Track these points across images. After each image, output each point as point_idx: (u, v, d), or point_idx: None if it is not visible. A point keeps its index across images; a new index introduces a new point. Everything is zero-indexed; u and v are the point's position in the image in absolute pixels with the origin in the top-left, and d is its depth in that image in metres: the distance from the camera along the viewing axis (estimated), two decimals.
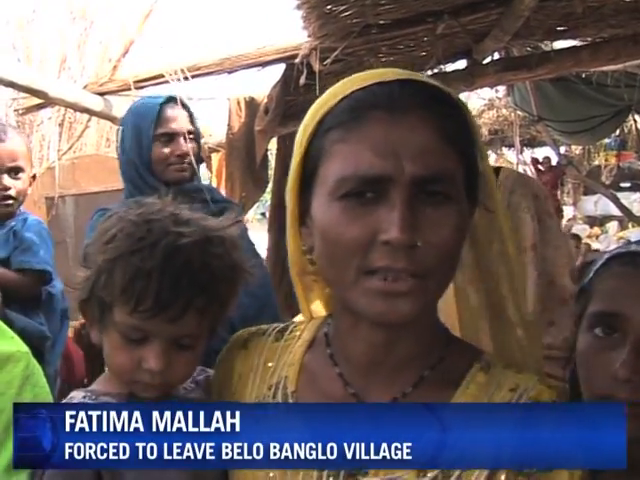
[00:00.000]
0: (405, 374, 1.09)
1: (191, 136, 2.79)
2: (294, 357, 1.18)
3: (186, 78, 3.96)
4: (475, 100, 12.04)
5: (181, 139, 2.74)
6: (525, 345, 1.14)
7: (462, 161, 1.03)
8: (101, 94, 4.18)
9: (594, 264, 1.31)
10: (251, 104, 4.16)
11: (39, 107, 4.41)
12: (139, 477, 1.14)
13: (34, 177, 3.15)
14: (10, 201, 2.91)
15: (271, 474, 1.08)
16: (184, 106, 2.83)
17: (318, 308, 1.28)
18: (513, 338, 1.15)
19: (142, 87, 4.08)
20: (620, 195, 10.59)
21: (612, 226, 13.47)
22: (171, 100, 2.82)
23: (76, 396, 1.23)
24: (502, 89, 9.15)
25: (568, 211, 15.05)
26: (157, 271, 1.15)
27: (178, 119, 2.78)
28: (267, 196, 5.37)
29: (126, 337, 1.19)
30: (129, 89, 4.05)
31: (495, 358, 1.12)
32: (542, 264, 2.10)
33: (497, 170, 2.23)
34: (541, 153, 13.76)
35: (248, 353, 1.23)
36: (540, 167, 12.46)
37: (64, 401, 1.23)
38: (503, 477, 1.00)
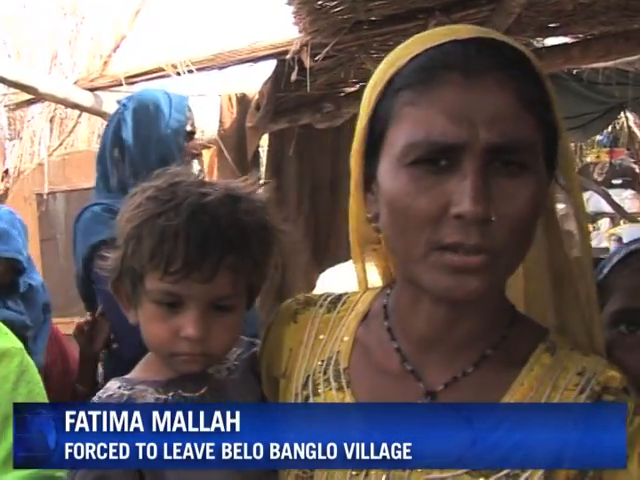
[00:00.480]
0: (466, 352, 1.04)
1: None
2: (347, 330, 1.13)
3: (178, 74, 3.95)
4: None
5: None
6: (591, 326, 1.08)
7: (541, 129, 0.96)
8: (91, 90, 4.17)
9: (609, 261, 1.29)
10: (242, 100, 4.16)
11: (29, 103, 4.41)
12: (182, 476, 1.11)
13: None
14: None
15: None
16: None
17: (374, 279, 1.21)
18: (579, 317, 1.09)
19: (133, 83, 4.07)
20: (612, 192, 10.60)
21: (604, 223, 13.47)
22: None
23: (111, 386, 1.20)
24: None
25: (560, 208, 15.06)
26: (183, 230, 1.11)
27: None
28: None
29: (161, 306, 1.16)
30: (120, 85, 4.04)
31: (561, 339, 1.06)
32: None
33: None
34: None
35: (298, 326, 1.17)
36: None
37: (100, 391, 1.20)
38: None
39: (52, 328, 3.22)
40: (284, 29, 3.59)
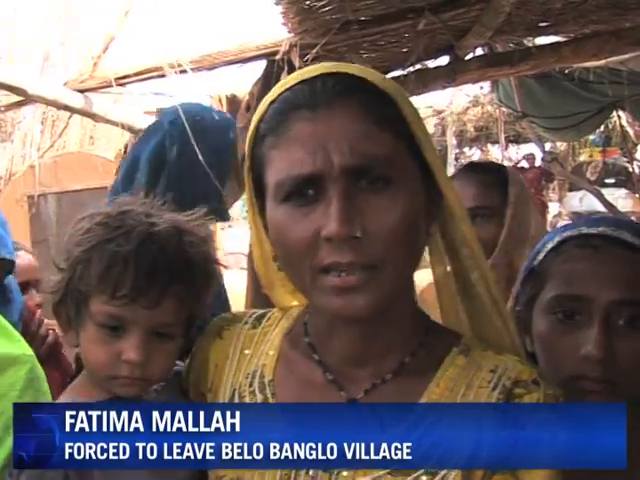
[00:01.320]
0: (386, 362, 1.09)
1: None
2: (272, 345, 1.18)
3: (167, 75, 3.94)
4: (460, 97, 12.07)
5: None
6: (499, 327, 1.14)
7: (401, 141, 1.02)
8: (81, 91, 4.14)
9: (542, 246, 1.32)
10: (232, 101, 4.14)
11: (20, 104, 4.38)
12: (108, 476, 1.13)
13: None
14: None
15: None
16: None
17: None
18: (487, 321, 1.14)
19: (123, 84, 4.05)
20: (605, 191, 10.62)
21: None
22: None
23: None
24: (487, 86, 9.16)
25: (553, 207, 15.10)
26: (133, 256, 1.15)
27: None
28: None
29: (104, 329, 1.18)
30: (110, 86, 4.02)
31: (475, 342, 1.12)
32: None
33: (503, 165, 2.45)
34: (526, 149, 13.80)
35: (224, 342, 1.21)
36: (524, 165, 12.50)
37: None
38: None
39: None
40: (273, 29, 3.59)
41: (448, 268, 1.16)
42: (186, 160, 2.59)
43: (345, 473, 1.02)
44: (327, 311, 1.04)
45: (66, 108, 4.28)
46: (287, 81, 1.07)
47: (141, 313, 1.16)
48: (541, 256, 1.32)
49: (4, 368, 1.47)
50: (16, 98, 4.19)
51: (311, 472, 1.04)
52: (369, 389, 1.08)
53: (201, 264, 1.23)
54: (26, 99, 4.11)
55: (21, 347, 1.59)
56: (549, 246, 1.31)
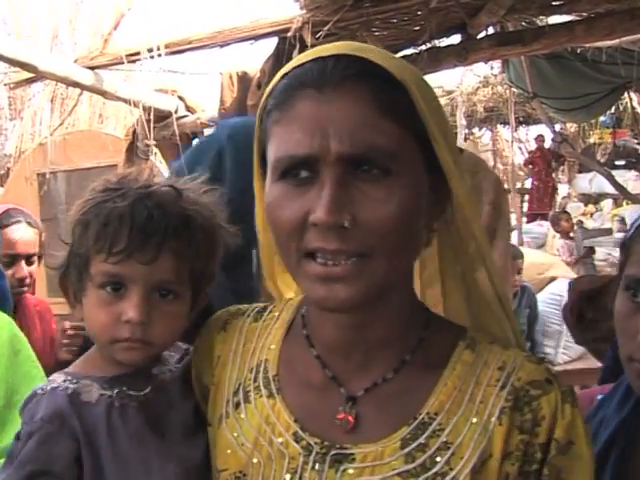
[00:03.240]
0: (383, 357, 1.07)
1: None
2: (273, 339, 1.16)
3: (179, 52, 3.93)
4: (470, 77, 12.01)
5: None
6: (502, 319, 1.12)
7: (409, 133, 0.98)
8: (92, 68, 4.14)
9: (636, 220, 1.29)
10: (243, 79, 4.12)
11: (29, 81, 4.38)
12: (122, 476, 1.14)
13: None
14: None
15: (255, 460, 1.06)
16: None
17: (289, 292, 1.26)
18: (490, 313, 1.12)
19: (134, 61, 4.04)
20: (615, 173, 10.57)
21: (606, 204, 13.47)
22: None
23: (56, 379, 1.20)
24: (497, 66, 9.11)
25: (563, 189, 15.06)
26: (128, 213, 1.14)
27: None
28: None
29: (104, 291, 1.17)
30: (120, 63, 4.01)
31: (480, 335, 1.09)
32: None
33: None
34: (536, 130, 13.73)
35: (227, 335, 1.20)
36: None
37: (44, 383, 1.21)
38: (499, 460, 0.99)
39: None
40: (285, 6, 3.57)
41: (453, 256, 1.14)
42: (241, 175, 2.59)
43: (351, 471, 1.01)
44: (312, 299, 1.02)
45: (76, 85, 4.27)
46: (301, 57, 1.04)
47: (138, 269, 1.15)
48: (632, 231, 1.28)
49: None
50: (26, 75, 4.18)
51: (317, 467, 1.03)
52: (369, 387, 1.06)
53: (200, 222, 1.21)
54: (36, 76, 4.11)
55: None
56: (638, 222, 1.28)
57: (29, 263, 3.05)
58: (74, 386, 1.18)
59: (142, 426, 1.17)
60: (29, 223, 3.07)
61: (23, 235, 3.02)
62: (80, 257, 1.18)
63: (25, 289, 2.99)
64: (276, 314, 1.20)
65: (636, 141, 12.34)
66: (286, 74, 1.03)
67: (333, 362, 1.08)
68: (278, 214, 0.99)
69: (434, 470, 0.98)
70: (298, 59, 1.03)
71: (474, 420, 1.00)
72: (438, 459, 0.99)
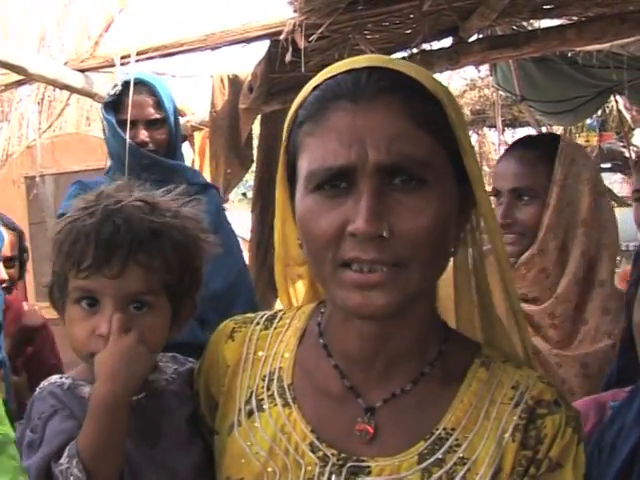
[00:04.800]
0: (403, 369, 1.08)
1: None
2: (287, 347, 1.16)
3: (169, 55, 3.90)
4: (457, 80, 12.02)
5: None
6: (512, 334, 1.14)
7: (441, 144, 1.00)
8: (82, 71, 4.11)
9: None
10: (235, 82, 4.11)
11: (18, 84, 4.34)
12: None
13: None
14: None
15: (270, 469, 1.06)
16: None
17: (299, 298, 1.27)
18: (500, 330, 1.14)
19: (124, 64, 4.01)
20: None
21: None
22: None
23: (52, 378, 1.25)
24: (484, 69, 9.12)
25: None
26: (94, 230, 1.18)
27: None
28: (248, 176, 5.32)
29: (80, 306, 1.20)
30: (111, 65, 3.98)
31: (494, 352, 1.11)
32: (587, 243, 1.97)
33: (556, 138, 2.12)
34: (523, 133, 13.76)
35: (236, 344, 1.20)
36: None
37: (41, 385, 1.24)
38: (506, 476, 1.00)
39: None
40: (277, 9, 3.56)
41: (471, 267, 1.14)
42: None
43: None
44: (344, 306, 1.02)
45: (66, 88, 4.25)
46: (332, 69, 1.05)
47: (107, 283, 1.18)
48: None
49: None
50: (15, 77, 4.15)
51: (333, 478, 1.03)
52: (388, 398, 1.07)
53: (170, 234, 1.22)
54: (25, 78, 4.08)
55: None
56: None
57: (9, 267, 3.04)
58: (69, 382, 1.22)
59: (134, 430, 1.17)
60: (6, 225, 3.06)
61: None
62: (59, 275, 1.23)
63: (4, 293, 2.97)
64: (287, 322, 1.20)
65: (621, 144, 12.39)
66: (317, 86, 1.03)
67: (352, 372, 1.09)
68: (313, 225, 0.99)
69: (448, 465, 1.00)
70: (327, 72, 1.05)
71: (489, 436, 1.01)
72: (454, 475, 0.99)
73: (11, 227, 3.13)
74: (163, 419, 1.22)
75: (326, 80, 1.03)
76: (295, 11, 3.26)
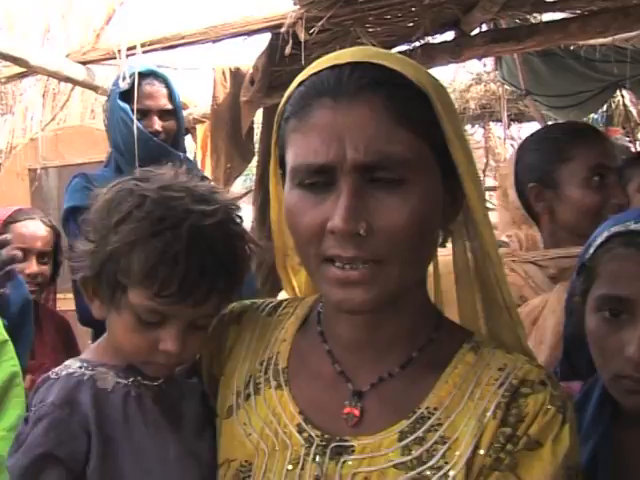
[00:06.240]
0: (393, 354, 1.10)
1: None
2: (286, 333, 1.19)
3: (171, 47, 3.90)
4: (463, 74, 11.99)
5: None
6: (513, 328, 1.14)
7: (423, 139, 1.00)
8: (84, 63, 4.11)
9: (593, 240, 1.29)
10: (236, 74, 4.10)
11: (21, 76, 4.34)
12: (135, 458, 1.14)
13: None
14: None
15: (260, 449, 1.09)
16: None
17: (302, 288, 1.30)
18: (505, 319, 1.14)
19: (126, 56, 4.01)
20: None
21: None
22: None
23: (72, 365, 1.20)
24: (490, 63, 9.10)
25: None
26: (183, 255, 1.10)
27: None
28: (254, 169, 5.31)
29: (142, 319, 1.16)
30: (112, 58, 3.98)
31: (486, 340, 1.12)
32: None
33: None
34: (529, 128, 13.72)
35: (241, 328, 1.23)
36: None
37: (58, 368, 1.21)
38: (482, 452, 1.00)
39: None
40: (278, 2, 3.55)
41: (469, 259, 1.15)
42: None
43: (350, 462, 1.03)
44: (330, 301, 1.06)
45: (68, 80, 4.25)
46: (317, 64, 1.06)
47: (184, 309, 1.14)
48: (591, 250, 1.29)
49: None
50: (17, 70, 4.15)
51: (318, 459, 1.05)
52: (375, 382, 1.09)
53: (245, 257, 1.21)
54: (28, 70, 4.08)
55: None
56: (598, 241, 1.28)
57: (42, 263, 2.97)
58: (90, 372, 1.18)
59: (159, 416, 1.18)
60: (43, 221, 3.00)
61: (35, 230, 2.94)
62: (118, 282, 1.15)
63: (34, 288, 2.89)
64: (290, 310, 1.23)
65: (628, 139, 12.35)
66: (303, 82, 1.05)
67: (344, 358, 1.11)
68: (298, 220, 1.02)
69: (430, 463, 1.00)
70: (314, 66, 1.05)
71: (471, 416, 1.02)
72: (434, 453, 1.01)
73: (48, 224, 3.06)
74: (182, 404, 1.22)
75: (311, 76, 1.04)
76: (295, 4, 3.26)
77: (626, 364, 1.19)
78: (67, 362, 1.22)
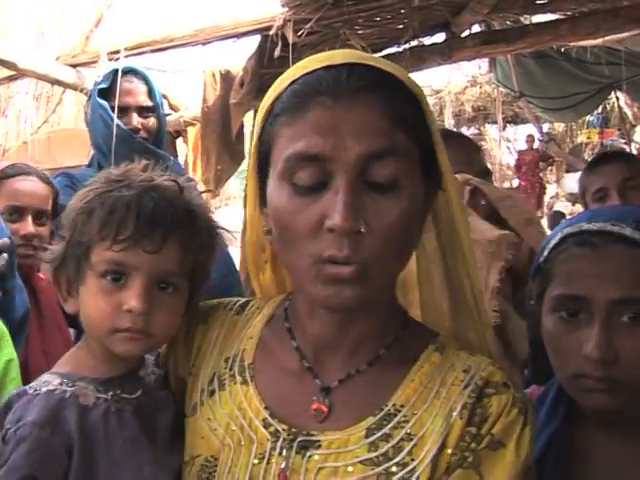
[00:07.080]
0: (362, 351, 1.10)
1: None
2: (253, 330, 1.19)
3: (161, 50, 3.90)
4: (458, 76, 12.01)
5: None
6: (479, 328, 1.15)
7: (415, 142, 1.02)
8: (73, 66, 4.11)
9: (547, 243, 1.30)
10: (226, 77, 4.11)
11: (10, 79, 4.34)
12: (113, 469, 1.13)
13: None
14: None
15: (225, 444, 1.09)
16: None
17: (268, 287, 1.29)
18: (470, 320, 1.15)
19: (116, 59, 4.01)
20: None
21: None
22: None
23: (51, 381, 1.17)
24: (485, 66, 9.12)
25: (551, 188, 15.09)
26: (135, 201, 1.14)
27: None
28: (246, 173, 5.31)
29: (105, 279, 1.15)
30: (102, 60, 3.98)
31: (450, 340, 1.13)
32: None
33: None
34: (524, 130, 13.75)
35: (208, 327, 1.23)
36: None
37: (36, 383, 1.18)
38: (449, 451, 1.01)
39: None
40: (267, 4, 3.55)
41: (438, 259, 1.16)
42: None
43: (317, 457, 1.03)
44: (314, 298, 1.04)
45: (57, 82, 4.25)
46: (308, 64, 1.06)
47: (143, 258, 1.14)
48: (546, 253, 1.30)
49: None
50: (7, 73, 4.15)
51: (284, 452, 1.05)
52: (343, 379, 1.09)
53: (203, 217, 1.21)
54: (17, 73, 4.08)
55: None
56: (552, 243, 1.29)
57: (40, 224, 2.54)
58: (71, 389, 1.16)
59: (137, 432, 1.16)
60: (40, 177, 2.65)
61: (33, 188, 2.54)
62: (81, 245, 1.17)
63: (31, 252, 2.48)
64: (257, 309, 1.22)
65: (623, 141, 12.36)
66: (295, 81, 1.04)
67: (312, 354, 1.11)
68: (290, 219, 1.01)
69: (396, 460, 1.01)
70: (305, 66, 1.06)
71: (437, 414, 1.03)
72: (400, 449, 1.01)
73: (46, 180, 2.78)
74: (158, 416, 1.20)
75: (304, 75, 1.04)
76: (283, 6, 3.26)
77: (584, 363, 1.19)
78: (45, 377, 1.19)
